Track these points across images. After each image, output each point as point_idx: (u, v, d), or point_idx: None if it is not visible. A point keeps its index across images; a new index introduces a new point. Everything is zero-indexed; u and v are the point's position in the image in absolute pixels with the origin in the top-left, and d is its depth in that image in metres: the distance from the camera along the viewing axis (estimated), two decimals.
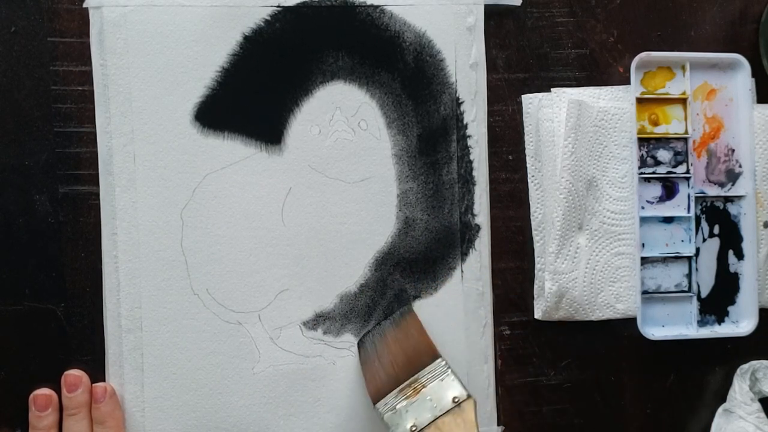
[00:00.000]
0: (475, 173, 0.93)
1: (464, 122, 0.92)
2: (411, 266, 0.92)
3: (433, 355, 0.87)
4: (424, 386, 0.84)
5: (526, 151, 0.94)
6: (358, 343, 0.91)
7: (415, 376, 0.85)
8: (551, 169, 0.92)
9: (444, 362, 0.86)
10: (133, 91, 0.86)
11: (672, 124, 0.95)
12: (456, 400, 0.82)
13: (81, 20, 0.86)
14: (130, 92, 0.86)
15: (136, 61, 0.86)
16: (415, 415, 0.83)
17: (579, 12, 0.95)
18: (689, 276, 0.96)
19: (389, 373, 0.86)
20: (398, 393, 0.85)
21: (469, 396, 0.83)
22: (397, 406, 0.84)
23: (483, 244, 0.93)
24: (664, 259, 0.95)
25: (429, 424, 0.82)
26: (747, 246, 0.96)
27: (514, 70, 0.94)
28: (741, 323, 0.96)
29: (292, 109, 0.89)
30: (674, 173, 0.95)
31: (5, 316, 0.85)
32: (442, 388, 0.84)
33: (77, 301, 0.87)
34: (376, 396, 0.85)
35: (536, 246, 0.94)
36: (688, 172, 0.94)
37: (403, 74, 0.91)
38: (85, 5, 0.85)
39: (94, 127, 0.86)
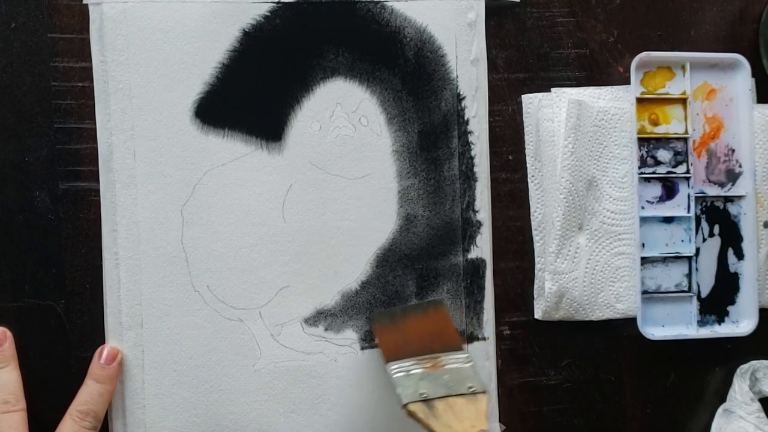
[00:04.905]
0: (476, 169, 0.92)
1: (465, 118, 0.92)
2: (412, 263, 0.92)
3: (458, 346, 0.86)
4: (444, 366, 0.83)
5: (526, 151, 0.94)
6: (371, 316, 0.91)
7: (437, 354, 0.84)
8: (551, 169, 0.92)
9: (468, 356, 0.85)
10: (133, 88, 0.86)
11: (672, 124, 0.95)
12: (472, 389, 0.81)
13: (81, 16, 0.86)
14: (130, 88, 0.85)
15: (136, 58, 0.86)
16: (428, 385, 0.80)
17: (579, 12, 0.95)
18: (689, 276, 0.96)
19: (409, 342, 0.86)
20: (415, 362, 0.83)
21: (485, 391, 0.81)
22: (412, 371, 0.82)
23: (484, 240, 0.93)
24: (664, 259, 0.95)
25: (441, 397, 0.79)
26: (747, 246, 0.96)
27: (514, 70, 0.94)
28: (741, 323, 0.97)
29: (292, 105, 0.89)
30: (674, 173, 0.95)
31: (5, 312, 0.85)
32: (461, 374, 0.82)
33: (77, 298, 0.86)
34: (390, 356, 0.84)
35: (536, 246, 0.95)
36: (688, 172, 0.94)
37: (404, 70, 0.91)
38: (85, 1, 0.85)
39: (94, 123, 0.86)
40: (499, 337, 0.95)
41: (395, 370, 0.82)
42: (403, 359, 0.83)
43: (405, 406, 0.79)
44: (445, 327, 0.88)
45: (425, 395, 0.79)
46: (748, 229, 0.96)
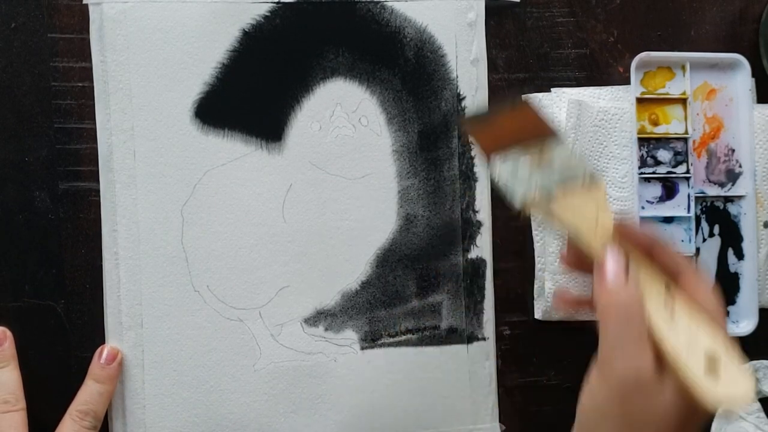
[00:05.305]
0: (476, 169, 0.92)
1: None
2: (412, 263, 0.92)
3: (558, 135, 0.76)
4: (550, 158, 0.74)
5: None
6: (461, 120, 0.90)
7: (539, 146, 0.75)
8: None
9: (569, 146, 0.79)
10: (133, 88, 0.86)
11: (672, 124, 0.95)
12: (585, 179, 0.73)
13: (81, 16, 0.86)
14: (130, 88, 0.85)
15: (136, 58, 0.86)
16: (540, 180, 0.72)
17: (579, 12, 0.95)
18: None
19: (509, 134, 0.76)
20: (520, 154, 0.74)
21: (599, 178, 0.75)
22: (519, 170, 0.73)
23: (484, 240, 0.93)
24: None
25: (555, 192, 0.72)
26: (747, 246, 0.96)
27: (514, 70, 0.94)
28: (741, 323, 0.96)
29: (292, 105, 0.89)
30: (674, 173, 0.95)
31: (5, 312, 0.85)
32: (570, 164, 0.74)
33: (77, 298, 0.87)
34: (492, 151, 0.74)
35: (536, 246, 0.94)
36: (688, 172, 0.94)
37: (404, 70, 0.91)
38: (85, 1, 0.85)
39: (94, 123, 0.86)
40: (499, 337, 0.94)
41: (499, 170, 0.74)
42: (506, 153, 0.74)
43: (522, 207, 0.73)
44: (541, 117, 0.77)
45: (540, 191, 0.72)
46: (748, 229, 0.96)
